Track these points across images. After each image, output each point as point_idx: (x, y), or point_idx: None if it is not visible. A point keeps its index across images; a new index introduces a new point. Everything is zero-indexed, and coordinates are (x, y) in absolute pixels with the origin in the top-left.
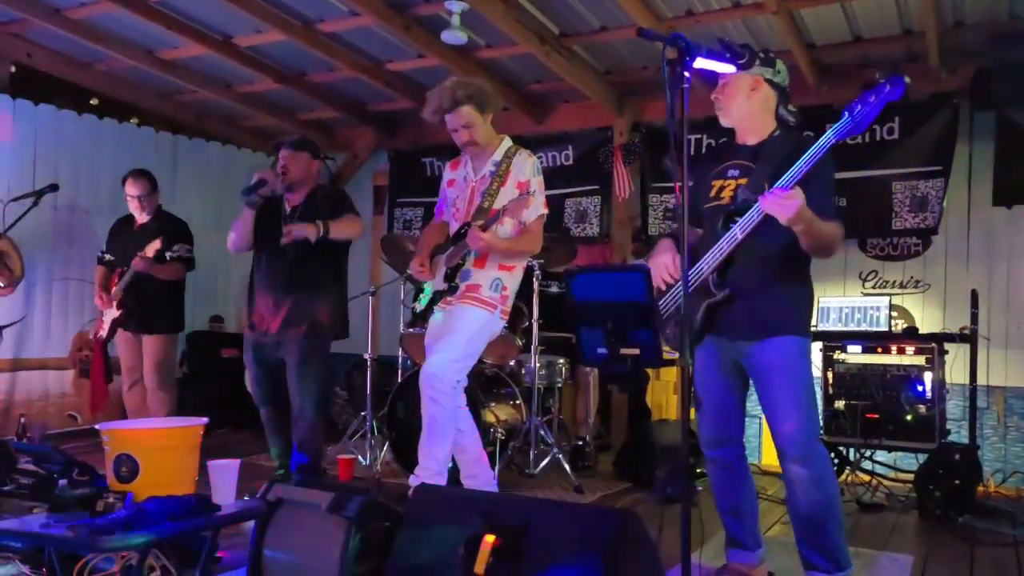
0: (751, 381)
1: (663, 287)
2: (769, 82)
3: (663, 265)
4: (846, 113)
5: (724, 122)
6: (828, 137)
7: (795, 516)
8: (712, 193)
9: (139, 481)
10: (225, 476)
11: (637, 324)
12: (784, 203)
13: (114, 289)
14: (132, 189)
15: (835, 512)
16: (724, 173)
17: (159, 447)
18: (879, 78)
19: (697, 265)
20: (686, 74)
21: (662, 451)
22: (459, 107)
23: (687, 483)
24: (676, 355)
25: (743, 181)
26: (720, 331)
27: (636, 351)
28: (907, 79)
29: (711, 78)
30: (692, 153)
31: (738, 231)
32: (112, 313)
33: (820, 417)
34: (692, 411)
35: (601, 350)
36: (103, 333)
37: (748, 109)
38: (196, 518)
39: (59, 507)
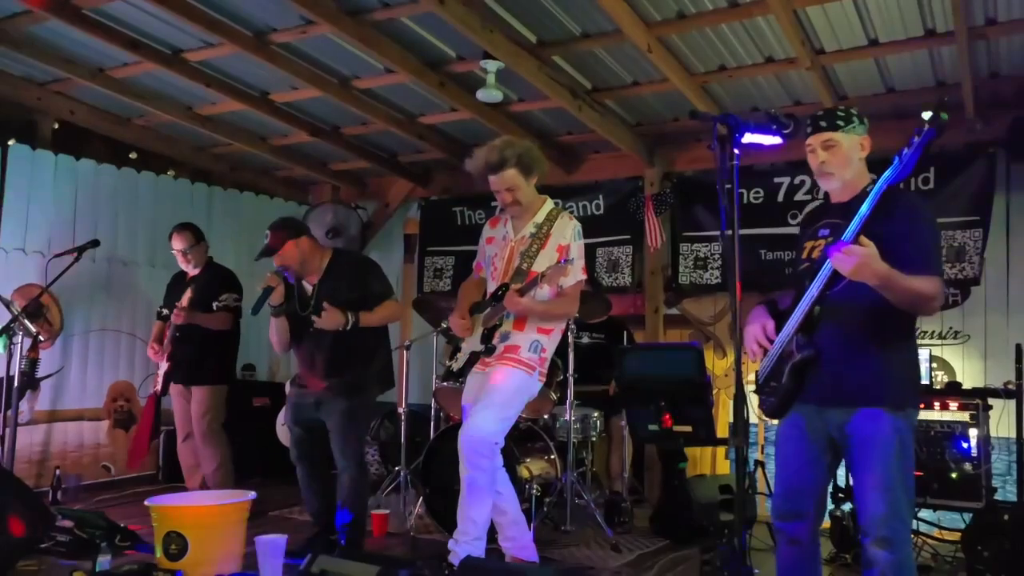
0: (843, 453)
1: (758, 356)
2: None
3: (752, 335)
4: (896, 159)
5: (829, 186)
6: (880, 184)
7: None
8: (804, 255)
9: (188, 559)
10: (272, 552)
11: (690, 401)
12: (844, 256)
13: (164, 342)
14: (176, 243)
15: None
16: (816, 234)
17: (208, 524)
18: (925, 119)
19: (784, 328)
20: (735, 151)
21: (700, 508)
22: (504, 170)
23: (743, 567)
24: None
25: (831, 239)
26: (808, 398)
27: (688, 428)
28: (944, 115)
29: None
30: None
31: (814, 288)
32: (164, 366)
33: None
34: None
35: (652, 427)
36: (158, 388)
37: (856, 170)
38: None
39: None
